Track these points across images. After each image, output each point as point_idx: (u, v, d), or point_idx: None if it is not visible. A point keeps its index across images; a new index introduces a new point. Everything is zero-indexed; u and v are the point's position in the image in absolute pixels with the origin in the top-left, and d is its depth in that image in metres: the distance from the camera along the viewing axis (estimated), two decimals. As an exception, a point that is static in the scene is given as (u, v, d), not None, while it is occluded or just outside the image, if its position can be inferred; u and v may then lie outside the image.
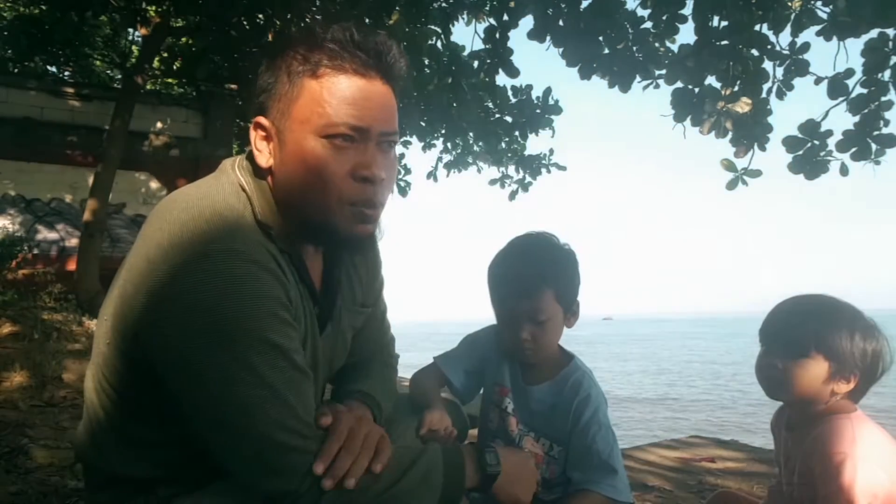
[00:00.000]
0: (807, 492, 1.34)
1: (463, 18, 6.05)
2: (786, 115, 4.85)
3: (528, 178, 8.48)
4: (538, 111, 6.83)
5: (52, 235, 10.27)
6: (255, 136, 1.09)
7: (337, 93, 1.03)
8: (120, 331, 1.02)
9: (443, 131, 7.91)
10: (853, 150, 4.46)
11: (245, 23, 7.41)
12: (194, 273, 0.94)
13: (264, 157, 1.07)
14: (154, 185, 10.89)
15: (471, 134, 7.73)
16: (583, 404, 1.50)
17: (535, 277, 1.47)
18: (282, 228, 1.08)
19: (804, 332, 1.36)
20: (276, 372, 0.96)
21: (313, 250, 1.17)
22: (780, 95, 4.88)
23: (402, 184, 8.44)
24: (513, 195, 8.64)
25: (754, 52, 4.73)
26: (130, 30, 11.51)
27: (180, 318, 0.94)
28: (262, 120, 1.07)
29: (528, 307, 1.48)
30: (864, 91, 4.37)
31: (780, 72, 4.81)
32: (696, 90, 4.93)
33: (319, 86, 1.03)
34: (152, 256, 0.97)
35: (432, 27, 5.60)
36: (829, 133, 4.52)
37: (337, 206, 1.04)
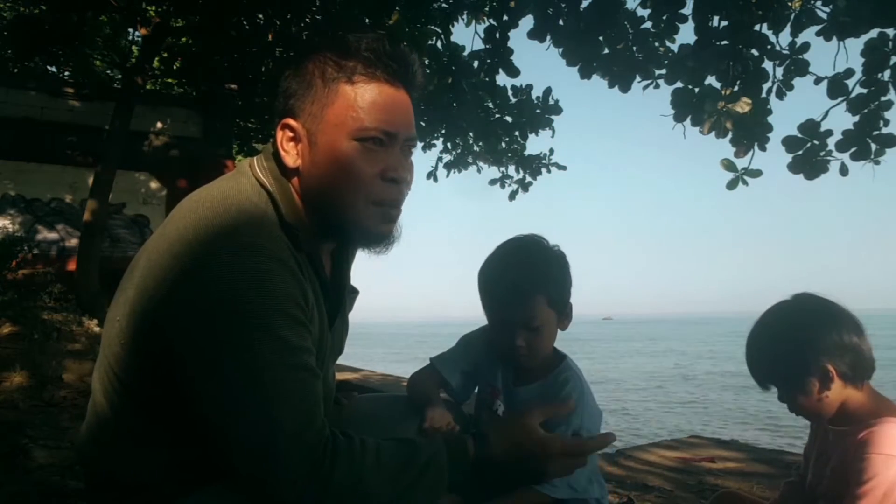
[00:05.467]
0: (835, 486, 1.35)
1: (463, 18, 6.05)
2: (786, 115, 4.86)
3: (528, 178, 8.48)
4: (538, 111, 6.83)
5: (52, 235, 10.26)
6: (282, 137, 1.12)
7: (370, 99, 1.09)
8: (137, 328, 1.03)
9: (443, 131, 7.90)
10: (853, 150, 4.45)
11: (245, 23, 7.41)
12: (220, 267, 0.96)
13: (292, 158, 1.11)
14: (154, 185, 10.89)
15: (471, 134, 7.72)
16: (561, 402, 1.50)
17: (526, 285, 1.46)
18: (306, 228, 1.12)
19: (767, 372, 1.45)
20: (287, 371, 0.97)
21: (327, 248, 1.21)
22: (780, 95, 4.88)
23: (402, 184, 8.43)
24: (513, 195, 8.63)
25: (754, 52, 4.72)
26: (130, 30, 11.50)
27: (202, 310, 0.96)
28: (290, 121, 1.11)
29: (522, 315, 1.47)
30: (864, 91, 4.37)
31: (780, 72, 4.81)
32: (696, 90, 4.93)
33: (354, 92, 1.09)
34: (177, 251, 1.00)
35: (432, 27, 5.59)
36: (829, 133, 4.51)
37: (364, 206, 1.10)
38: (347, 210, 1.10)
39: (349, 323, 1.38)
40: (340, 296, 1.27)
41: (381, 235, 1.14)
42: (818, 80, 4.46)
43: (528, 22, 5.04)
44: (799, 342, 1.38)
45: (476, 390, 1.70)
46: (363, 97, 1.08)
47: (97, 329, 6.25)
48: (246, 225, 1.01)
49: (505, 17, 5.24)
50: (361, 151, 1.08)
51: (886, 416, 1.34)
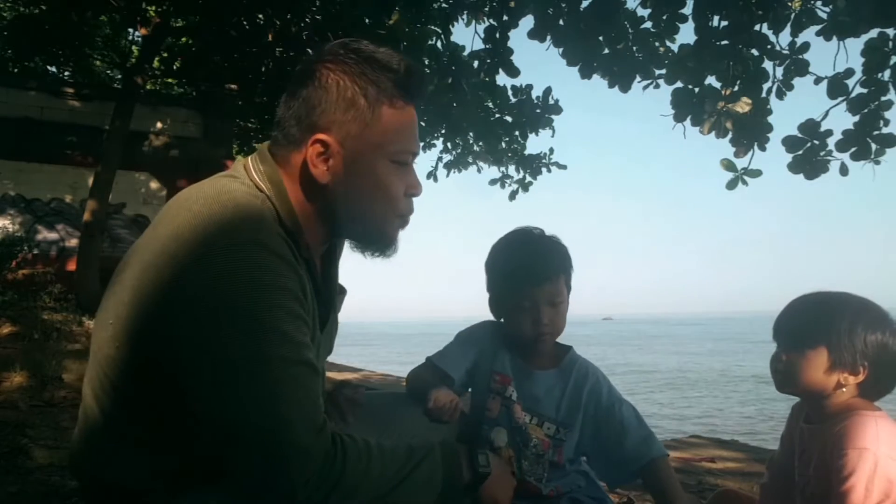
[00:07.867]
0: (820, 485, 1.34)
1: (463, 18, 6.04)
2: (786, 115, 4.86)
3: (528, 178, 8.48)
4: (538, 111, 6.83)
5: (52, 235, 10.27)
6: (312, 152, 1.11)
7: (407, 122, 1.16)
8: (133, 330, 1.01)
9: (443, 131, 7.90)
10: (853, 149, 4.46)
11: (245, 23, 7.41)
12: (220, 263, 0.95)
13: (320, 172, 1.11)
14: (154, 185, 10.90)
15: (471, 134, 7.73)
16: (596, 388, 1.62)
17: (551, 264, 1.60)
18: (302, 232, 1.12)
19: (803, 324, 1.40)
20: (290, 366, 0.97)
21: (318, 251, 1.22)
22: (780, 95, 4.88)
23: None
24: (513, 195, 8.63)
25: (754, 52, 4.72)
26: (130, 30, 11.51)
27: (202, 308, 0.95)
28: (325, 137, 1.10)
29: (549, 290, 1.58)
30: (864, 91, 4.37)
31: (780, 72, 4.81)
32: (696, 90, 4.93)
33: (396, 115, 1.13)
34: (172, 250, 0.98)
35: (432, 27, 5.60)
36: (829, 133, 4.51)
37: (392, 219, 1.19)
38: (378, 222, 1.17)
39: (338, 322, 1.40)
40: (331, 297, 1.29)
41: (395, 241, 1.22)
42: (818, 80, 4.46)
43: (528, 22, 5.04)
44: (861, 329, 1.33)
45: (469, 389, 1.72)
46: (401, 120, 1.14)
47: (97, 329, 6.24)
48: (243, 220, 1.00)
49: (505, 17, 5.23)
50: (395, 171, 1.15)
51: (859, 410, 1.34)
